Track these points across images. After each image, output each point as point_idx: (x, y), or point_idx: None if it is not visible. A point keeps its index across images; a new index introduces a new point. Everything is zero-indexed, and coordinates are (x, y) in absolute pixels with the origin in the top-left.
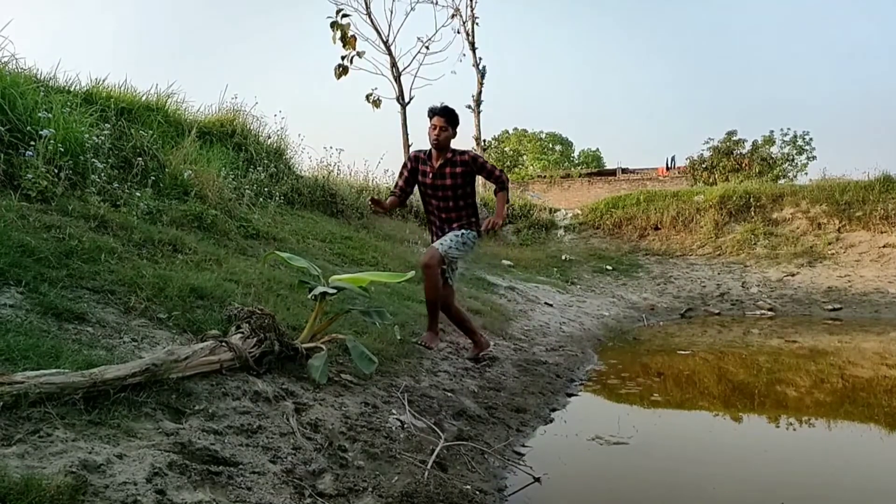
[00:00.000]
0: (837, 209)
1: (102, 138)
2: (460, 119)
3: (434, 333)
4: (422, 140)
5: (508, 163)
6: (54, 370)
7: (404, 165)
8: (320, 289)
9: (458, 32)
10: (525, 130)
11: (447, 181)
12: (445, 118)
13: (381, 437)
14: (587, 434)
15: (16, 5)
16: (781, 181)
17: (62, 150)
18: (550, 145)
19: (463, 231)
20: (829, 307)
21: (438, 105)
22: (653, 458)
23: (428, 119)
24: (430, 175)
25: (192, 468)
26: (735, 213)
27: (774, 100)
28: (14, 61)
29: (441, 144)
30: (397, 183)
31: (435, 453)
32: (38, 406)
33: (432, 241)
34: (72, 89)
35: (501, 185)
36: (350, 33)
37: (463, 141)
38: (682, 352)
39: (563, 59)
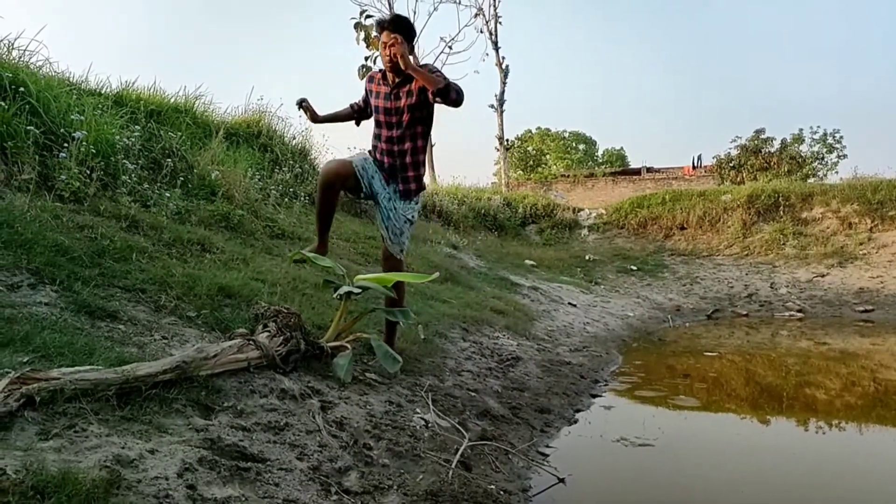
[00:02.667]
0: (869, 208)
1: (133, 140)
2: (416, 31)
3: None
4: (447, 139)
5: (532, 162)
6: (88, 367)
7: (366, 90)
8: (345, 288)
9: (482, 32)
10: (548, 130)
11: (401, 101)
12: (398, 32)
13: (405, 435)
14: (612, 435)
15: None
16: (811, 180)
17: (94, 151)
18: (574, 144)
19: (412, 214)
20: (861, 309)
21: (387, 16)
22: (678, 461)
23: (377, 34)
24: (383, 96)
25: (221, 464)
26: (763, 212)
27: (803, 97)
28: (48, 65)
29: (396, 64)
30: (357, 101)
31: (459, 452)
32: (73, 402)
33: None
34: (103, 92)
35: (445, 89)
36: (373, 34)
37: (486, 141)
38: (709, 353)
39: (587, 58)
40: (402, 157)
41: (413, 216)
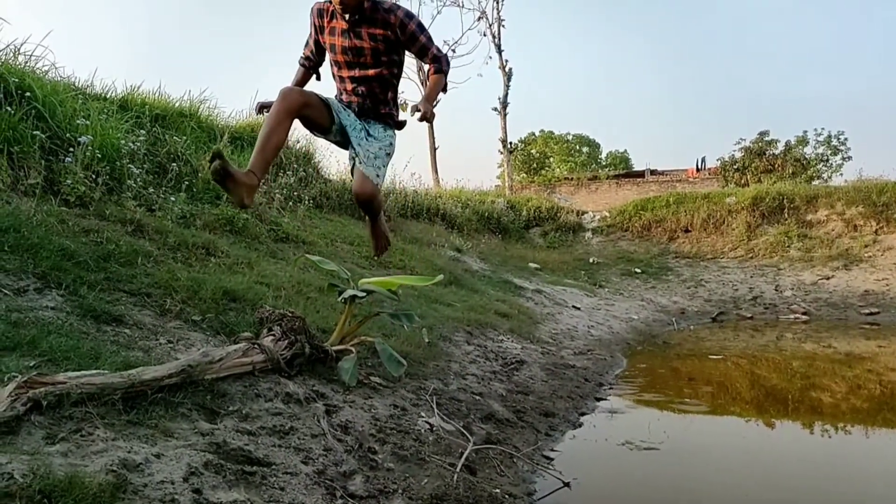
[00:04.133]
0: (874, 211)
1: (138, 144)
2: None
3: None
4: (450, 142)
5: (535, 165)
6: (94, 371)
7: (311, 25)
8: (350, 292)
9: (485, 35)
10: (552, 132)
11: (365, 43)
12: None
13: (410, 439)
14: (617, 439)
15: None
16: (815, 182)
17: (100, 156)
18: (577, 147)
19: (388, 141)
20: (866, 311)
21: None
22: (684, 465)
23: None
24: (340, 33)
25: (227, 468)
26: (768, 214)
27: (808, 99)
28: (54, 70)
29: (349, 5)
30: (304, 52)
31: (464, 456)
32: (79, 406)
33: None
34: (108, 96)
35: (438, 66)
36: None
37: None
38: (714, 356)
39: (590, 61)
40: (372, 97)
41: (390, 148)
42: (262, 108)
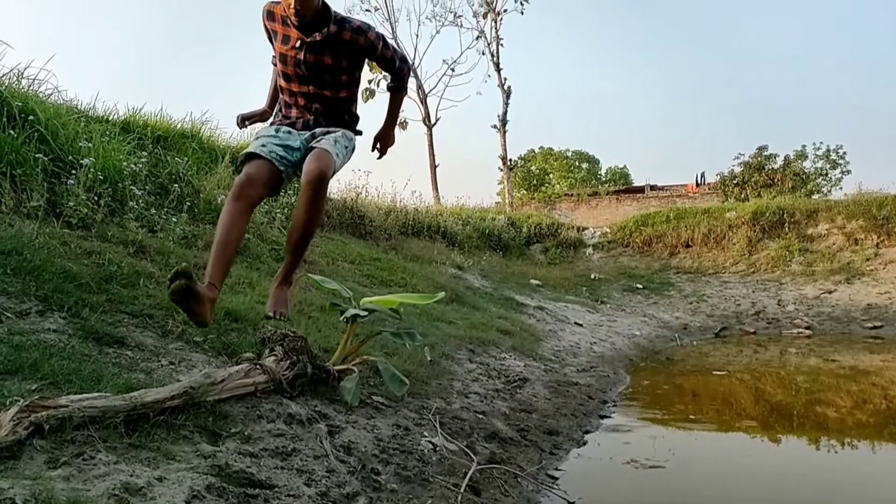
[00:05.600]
0: (875, 224)
1: (140, 166)
2: None
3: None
4: (450, 160)
5: (535, 182)
6: (96, 394)
7: (264, 29)
8: (352, 311)
9: (483, 54)
10: (551, 149)
11: (327, 59)
12: None
13: (413, 459)
14: (622, 457)
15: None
16: (815, 196)
17: (102, 178)
18: (577, 163)
19: (349, 135)
20: (870, 325)
21: None
22: (690, 483)
23: None
24: (294, 42)
25: (229, 491)
26: (769, 229)
27: (806, 113)
28: (57, 93)
29: (307, 16)
30: (273, 53)
31: (468, 476)
32: (81, 429)
33: (281, 124)
34: (110, 118)
35: (399, 80)
36: None
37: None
38: (718, 372)
39: (588, 78)
40: (327, 115)
41: (350, 142)
42: (245, 120)
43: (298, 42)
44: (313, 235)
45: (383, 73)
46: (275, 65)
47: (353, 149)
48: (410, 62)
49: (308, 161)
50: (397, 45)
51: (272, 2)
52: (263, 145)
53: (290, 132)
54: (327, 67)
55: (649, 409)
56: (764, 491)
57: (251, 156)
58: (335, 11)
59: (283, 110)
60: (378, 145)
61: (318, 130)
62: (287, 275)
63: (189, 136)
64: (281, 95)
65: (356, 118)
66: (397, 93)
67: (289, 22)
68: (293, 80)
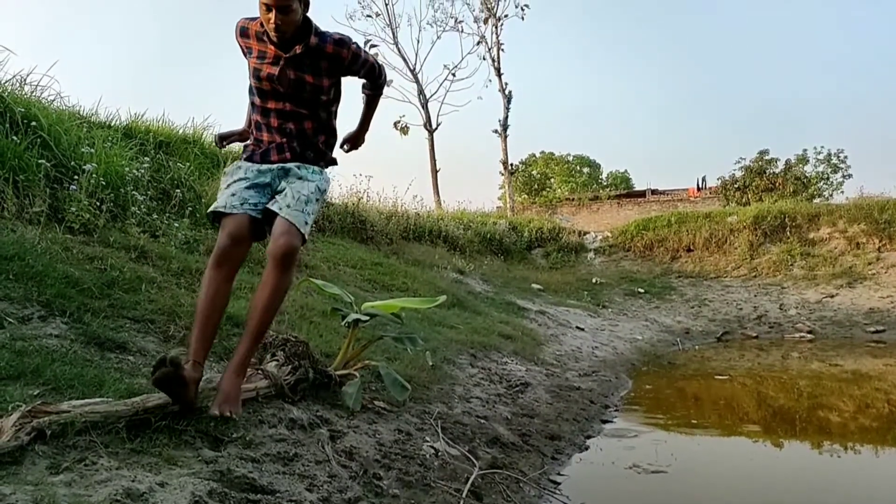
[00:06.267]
0: (877, 228)
1: (142, 171)
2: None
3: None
4: (451, 164)
5: (536, 186)
6: (98, 399)
7: (239, 45)
8: (353, 316)
9: (484, 59)
10: (552, 153)
11: (307, 76)
12: None
13: (415, 464)
14: (624, 462)
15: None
16: (817, 200)
17: (104, 183)
18: (578, 168)
19: (322, 181)
20: (872, 329)
21: None
22: (693, 487)
23: None
24: (271, 59)
25: (231, 496)
26: (770, 233)
27: (807, 117)
28: (59, 99)
29: (288, 31)
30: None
31: (470, 481)
32: (83, 434)
33: (252, 152)
34: (112, 124)
35: (379, 87)
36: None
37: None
38: (720, 376)
39: (590, 82)
40: (301, 137)
41: (325, 185)
42: (223, 140)
43: (275, 58)
44: (276, 313)
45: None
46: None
47: (327, 185)
48: (385, 74)
49: (275, 234)
50: (399, 49)
51: (246, 18)
52: (233, 194)
53: (259, 170)
54: (307, 85)
55: (651, 414)
56: (766, 495)
57: (221, 214)
58: (315, 24)
59: (255, 133)
60: (346, 147)
61: (290, 167)
62: (241, 364)
63: (191, 141)
64: (253, 116)
65: (334, 136)
66: (374, 99)
67: (265, 38)
68: (269, 96)
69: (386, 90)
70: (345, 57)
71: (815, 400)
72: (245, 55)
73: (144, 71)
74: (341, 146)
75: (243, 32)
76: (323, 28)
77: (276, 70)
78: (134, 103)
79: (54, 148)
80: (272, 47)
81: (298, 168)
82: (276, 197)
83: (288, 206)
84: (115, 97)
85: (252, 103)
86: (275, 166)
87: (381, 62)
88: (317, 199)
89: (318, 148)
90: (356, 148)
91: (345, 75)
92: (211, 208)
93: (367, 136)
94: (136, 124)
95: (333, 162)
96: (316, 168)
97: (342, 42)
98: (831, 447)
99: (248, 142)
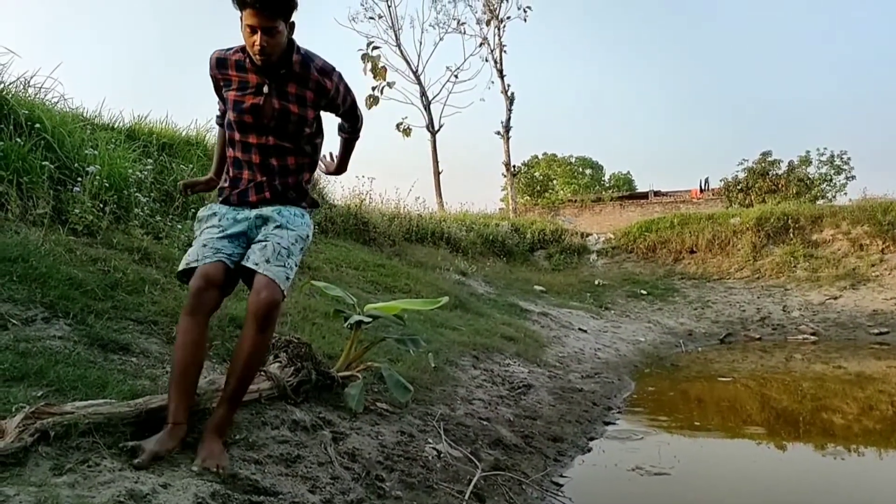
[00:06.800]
0: (880, 230)
1: (145, 173)
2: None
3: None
4: (454, 166)
5: (539, 188)
6: (102, 400)
7: (213, 79)
8: (356, 318)
9: (487, 61)
10: (555, 155)
11: (292, 106)
12: (276, 14)
13: (417, 466)
14: (627, 464)
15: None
16: (820, 202)
17: (107, 185)
18: (580, 169)
19: (305, 226)
20: (876, 331)
21: None
22: (696, 490)
23: (236, 9)
24: (253, 89)
25: (234, 498)
26: (773, 235)
27: (810, 120)
28: (63, 101)
29: (274, 55)
30: (219, 104)
31: (472, 483)
32: (86, 436)
33: (229, 193)
34: (116, 126)
35: (356, 131)
36: (380, 64)
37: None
38: (723, 378)
39: (592, 84)
40: (283, 174)
41: (306, 232)
42: (188, 188)
43: (258, 86)
44: (258, 370)
45: (341, 120)
46: (220, 125)
47: (310, 231)
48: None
49: (255, 289)
50: (402, 51)
51: (220, 49)
52: (205, 245)
53: (235, 218)
54: (291, 116)
55: (654, 416)
56: (770, 498)
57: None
58: (297, 45)
59: (232, 172)
60: (324, 170)
61: (268, 214)
62: (220, 426)
63: (194, 143)
64: (232, 153)
65: (310, 185)
66: (351, 142)
67: (246, 66)
68: (250, 130)
69: (388, 92)
70: (328, 88)
71: (818, 402)
72: (220, 90)
73: (146, 71)
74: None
75: (220, 64)
76: (323, 27)
77: (260, 100)
78: (135, 103)
79: (58, 150)
80: (254, 75)
81: (279, 214)
82: (254, 247)
83: (267, 262)
84: (116, 97)
85: (230, 139)
86: (252, 214)
87: (361, 112)
88: (301, 249)
89: (301, 187)
90: (334, 172)
91: (326, 109)
92: (181, 265)
93: (369, 134)
94: (140, 126)
95: (316, 204)
96: (297, 210)
97: (325, 70)
98: (835, 450)
99: (224, 183)
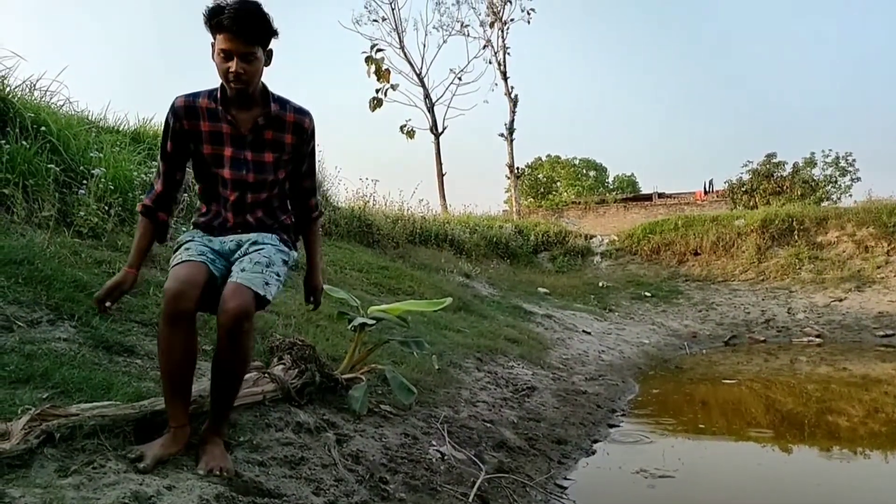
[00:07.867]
0: (885, 231)
1: (150, 176)
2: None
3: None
4: (457, 168)
5: (542, 190)
6: (107, 402)
7: (167, 130)
8: (360, 320)
9: (490, 63)
10: (558, 157)
11: (265, 155)
12: (249, 35)
13: (421, 468)
14: (631, 467)
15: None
16: (825, 204)
17: (112, 187)
18: (584, 171)
19: (285, 249)
20: (881, 333)
21: (227, 2)
22: (700, 493)
23: (209, 33)
24: (231, 140)
25: (238, 500)
26: (778, 236)
27: (815, 121)
28: (68, 104)
29: (250, 84)
30: (156, 180)
31: (476, 486)
32: (91, 438)
33: (210, 223)
34: (121, 129)
35: (317, 208)
36: (384, 67)
37: (497, 169)
38: (728, 381)
39: (596, 86)
40: (262, 226)
41: (287, 256)
42: (103, 303)
43: (230, 135)
44: (242, 379)
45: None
46: (147, 213)
47: (293, 259)
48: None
49: (222, 300)
50: (405, 54)
51: (183, 96)
52: (187, 249)
53: (210, 238)
54: (268, 166)
55: (658, 418)
56: (774, 501)
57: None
58: (277, 95)
59: (203, 205)
60: (311, 298)
61: (247, 238)
62: (216, 426)
63: None
64: (201, 183)
65: (291, 234)
66: (316, 224)
67: (219, 115)
68: (229, 187)
69: (392, 94)
70: (306, 127)
71: (823, 404)
72: (183, 143)
73: (151, 74)
74: (307, 302)
75: (190, 113)
76: (327, 29)
77: (237, 152)
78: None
79: (63, 153)
80: (227, 125)
81: (259, 237)
82: (234, 267)
83: (242, 271)
84: (121, 101)
85: (200, 194)
86: (232, 240)
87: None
88: (283, 261)
89: (283, 223)
90: (320, 294)
91: (298, 153)
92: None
93: (373, 136)
94: (144, 129)
95: (294, 247)
96: (276, 236)
97: (302, 111)
98: (840, 452)
99: (199, 213)
